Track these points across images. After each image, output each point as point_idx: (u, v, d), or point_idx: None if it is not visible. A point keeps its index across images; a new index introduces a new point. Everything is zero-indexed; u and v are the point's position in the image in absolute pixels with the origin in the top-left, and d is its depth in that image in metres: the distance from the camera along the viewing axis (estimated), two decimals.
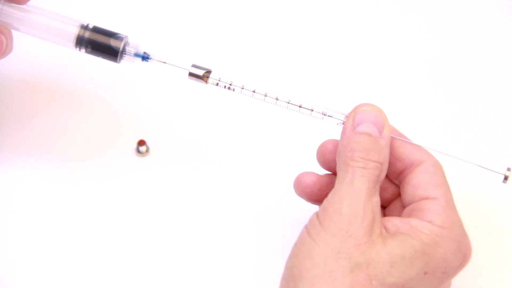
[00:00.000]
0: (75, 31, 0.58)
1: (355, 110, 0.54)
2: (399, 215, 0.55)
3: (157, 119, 0.70)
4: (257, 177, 0.67)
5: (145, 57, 0.59)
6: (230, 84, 0.57)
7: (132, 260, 0.63)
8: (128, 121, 0.70)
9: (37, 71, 0.72)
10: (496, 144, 0.70)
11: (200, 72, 0.57)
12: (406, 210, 0.54)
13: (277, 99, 0.57)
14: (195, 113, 0.71)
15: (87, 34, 0.58)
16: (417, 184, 0.53)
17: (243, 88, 0.57)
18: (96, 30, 0.58)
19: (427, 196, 0.53)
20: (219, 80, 0.57)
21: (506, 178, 0.55)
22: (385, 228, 0.51)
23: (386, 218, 0.52)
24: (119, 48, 0.58)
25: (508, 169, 0.55)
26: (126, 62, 0.59)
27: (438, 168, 0.54)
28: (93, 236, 0.64)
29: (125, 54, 0.58)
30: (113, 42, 0.58)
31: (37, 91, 0.71)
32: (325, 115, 0.56)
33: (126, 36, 0.58)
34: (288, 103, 0.57)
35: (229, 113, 0.71)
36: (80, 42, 0.58)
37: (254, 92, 0.57)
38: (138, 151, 0.68)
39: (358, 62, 0.74)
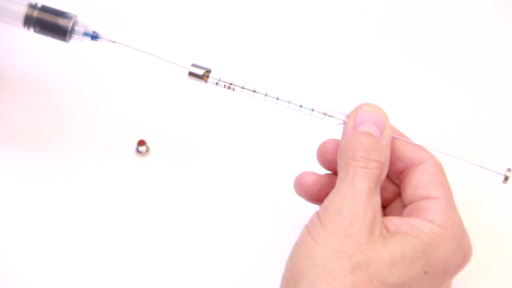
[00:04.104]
0: (23, 10, 0.58)
1: (356, 110, 0.54)
2: (400, 214, 0.55)
3: (157, 119, 0.70)
4: (258, 177, 0.67)
5: (94, 36, 0.58)
6: (230, 84, 0.57)
7: (132, 260, 0.63)
8: (128, 121, 0.70)
9: (37, 68, 0.72)
10: (497, 145, 0.70)
11: (200, 72, 0.57)
12: (407, 210, 0.54)
13: (277, 98, 0.57)
14: (195, 113, 0.71)
15: (35, 13, 0.57)
16: (417, 183, 0.53)
17: (243, 88, 0.57)
18: (44, 9, 0.58)
19: (427, 196, 0.53)
20: (219, 80, 0.57)
21: (506, 178, 0.55)
22: (386, 228, 0.51)
23: (387, 218, 0.52)
24: (67, 28, 0.57)
25: (509, 170, 0.55)
26: (76, 41, 0.58)
27: (438, 168, 0.54)
28: (92, 236, 0.64)
29: (74, 33, 0.58)
30: (61, 21, 0.57)
31: (37, 90, 0.71)
32: (326, 115, 0.56)
33: (75, 15, 0.58)
34: (289, 102, 0.57)
35: (229, 113, 0.71)
36: (29, 21, 0.58)
37: (254, 91, 0.57)
38: (138, 151, 0.68)
39: (359, 62, 0.74)
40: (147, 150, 0.68)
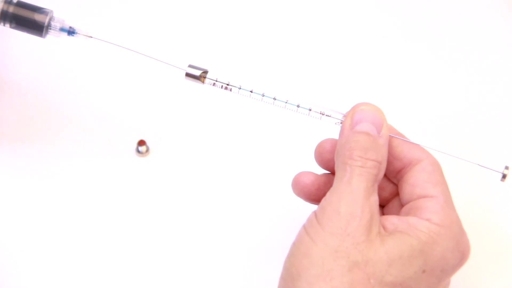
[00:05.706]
0: None
1: (354, 109, 0.54)
2: (398, 213, 0.55)
3: (157, 119, 0.70)
4: (256, 177, 0.68)
5: (70, 32, 0.58)
6: (228, 84, 0.57)
7: (132, 260, 0.64)
8: (128, 121, 0.70)
9: (37, 69, 0.72)
10: (494, 143, 0.70)
11: (197, 73, 0.57)
12: (405, 209, 0.54)
13: (274, 98, 0.57)
14: (194, 113, 0.71)
15: (11, 9, 0.57)
16: (415, 182, 0.53)
17: (240, 88, 0.57)
18: (20, 4, 0.57)
19: (425, 195, 0.53)
20: (216, 80, 0.57)
21: (504, 176, 0.55)
22: (383, 227, 0.51)
23: (384, 217, 0.52)
24: (44, 23, 0.57)
25: (506, 168, 0.55)
26: (52, 37, 0.58)
27: (436, 167, 0.54)
28: (92, 236, 0.64)
29: (50, 29, 0.57)
30: (37, 17, 0.57)
31: (37, 90, 0.71)
32: (323, 114, 0.56)
33: (51, 11, 0.58)
34: (286, 102, 0.57)
35: (227, 113, 0.71)
36: (5, 17, 0.57)
37: (251, 92, 0.57)
38: (138, 151, 0.68)
39: (356, 61, 0.74)
40: (147, 150, 0.68)
